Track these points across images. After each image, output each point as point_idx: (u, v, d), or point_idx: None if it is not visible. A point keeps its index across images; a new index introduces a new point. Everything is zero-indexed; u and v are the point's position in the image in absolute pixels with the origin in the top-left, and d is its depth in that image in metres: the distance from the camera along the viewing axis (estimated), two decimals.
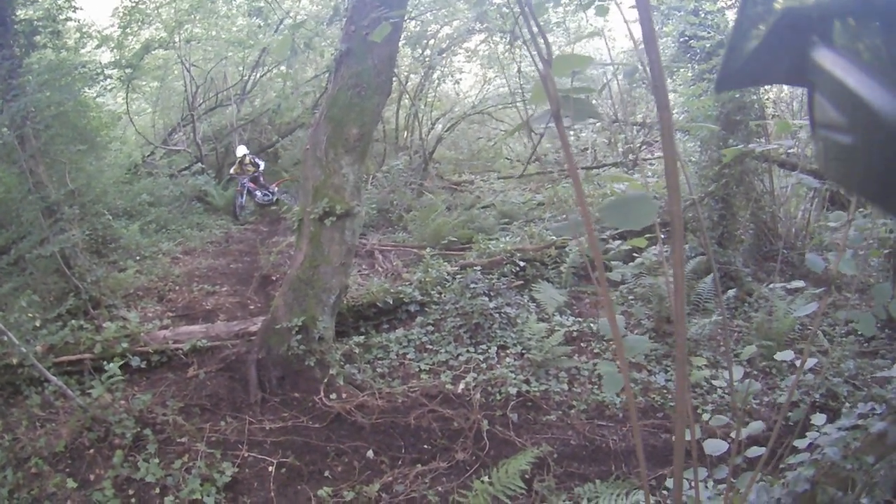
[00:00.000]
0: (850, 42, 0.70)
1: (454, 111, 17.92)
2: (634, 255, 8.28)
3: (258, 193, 14.82)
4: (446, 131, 17.19)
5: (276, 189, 14.93)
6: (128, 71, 13.31)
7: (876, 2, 0.66)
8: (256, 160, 14.99)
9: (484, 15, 11.33)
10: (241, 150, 15.14)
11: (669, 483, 3.48)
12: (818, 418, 3.43)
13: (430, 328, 7.87)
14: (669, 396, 6.56)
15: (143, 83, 16.33)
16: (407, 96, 16.39)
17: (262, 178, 15.01)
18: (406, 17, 10.11)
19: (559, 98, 1.56)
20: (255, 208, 15.00)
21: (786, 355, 3.26)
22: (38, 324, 7.24)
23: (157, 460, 5.70)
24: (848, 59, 0.68)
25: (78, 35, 12.15)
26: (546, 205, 12.44)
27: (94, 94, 12.16)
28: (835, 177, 0.74)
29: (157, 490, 5.47)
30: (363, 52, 6.70)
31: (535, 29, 1.62)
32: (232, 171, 15.12)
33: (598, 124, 16.08)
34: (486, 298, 7.95)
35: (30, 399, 6.61)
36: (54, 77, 8.60)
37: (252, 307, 9.06)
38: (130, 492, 5.46)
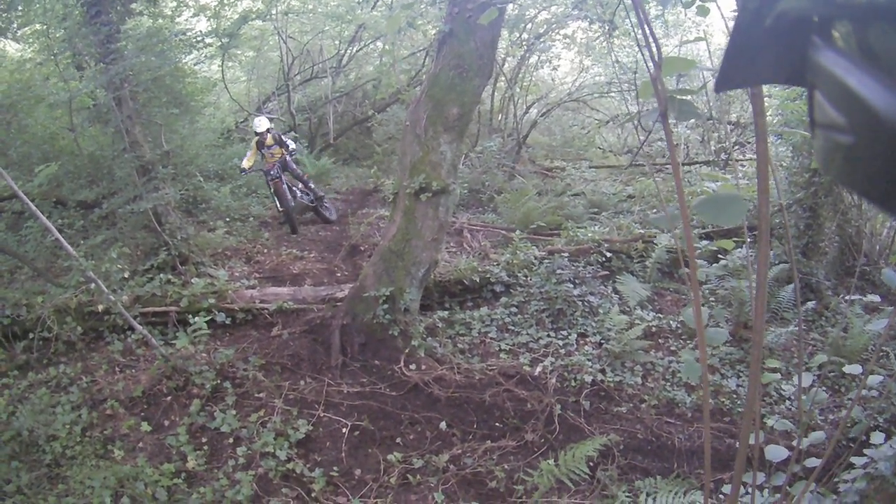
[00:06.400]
0: (851, 42, 0.70)
1: (550, 97, 17.72)
2: (720, 256, 8.22)
3: (296, 191, 11.01)
4: (541, 116, 17.01)
5: (314, 186, 11.60)
6: (224, 40, 13.52)
7: (877, 2, 0.67)
8: (285, 139, 10.78)
9: (582, 2, 11.31)
10: (262, 124, 10.53)
11: (726, 489, 3.49)
12: (877, 437, 3.40)
13: (514, 310, 7.88)
14: (739, 401, 6.49)
15: (240, 52, 16.41)
16: (503, 78, 16.28)
17: (293, 166, 10.98)
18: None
19: (667, 99, 1.64)
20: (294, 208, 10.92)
21: (854, 369, 3.25)
22: (126, 275, 7.47)
23: (233, 412, 5.89)
24: (848, 59, 0.69)
25: (175, 4, 12.40)
26: (636, 198, 12.32)
27: (194, 62, 12.52)
28: (836, 177, 0.74)
29: (231, 440, 5.68)
30: (466, 34, 6.74)
31: (648, 33, 1.69)
32: (244, 163, 10.37)
33: (692, 120, 15.81)
34: (571, 285, 7.93)
35: (112, 345, 6.88)
36: (151, 43, 8.76)
37: (339, 274, 9.14)
38: (204, 439, 5.68)
